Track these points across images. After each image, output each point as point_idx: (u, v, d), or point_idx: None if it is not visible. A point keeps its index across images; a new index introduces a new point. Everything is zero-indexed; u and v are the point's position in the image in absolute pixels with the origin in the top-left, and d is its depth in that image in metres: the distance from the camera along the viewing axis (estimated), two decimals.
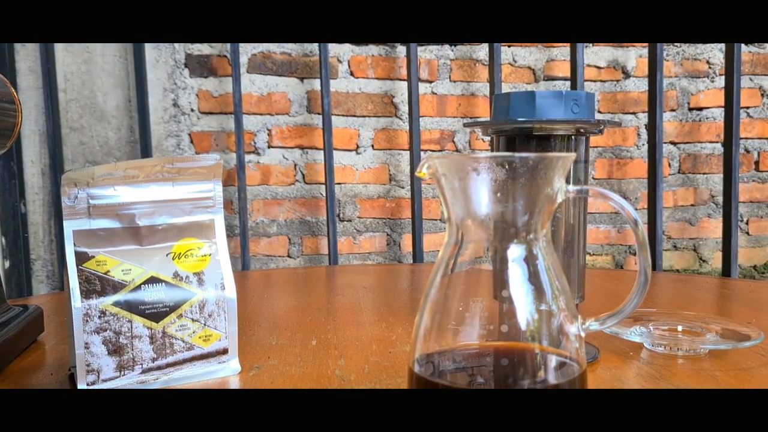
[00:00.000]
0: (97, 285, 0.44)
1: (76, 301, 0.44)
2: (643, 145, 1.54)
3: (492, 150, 0.50)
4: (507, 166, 0.32)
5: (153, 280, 0.46)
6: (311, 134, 1.45)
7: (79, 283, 0.44)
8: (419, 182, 1.40)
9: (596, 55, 1.51)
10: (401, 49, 1.46)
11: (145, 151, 1.34)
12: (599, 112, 1.52)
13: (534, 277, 0.33)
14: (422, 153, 1.44)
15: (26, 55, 1.32)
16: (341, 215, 1.47)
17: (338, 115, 1.45)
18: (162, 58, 1.38)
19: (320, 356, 0.54)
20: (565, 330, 0.33)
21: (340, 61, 1.44)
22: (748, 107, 1.54)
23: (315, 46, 1.42)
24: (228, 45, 1.39)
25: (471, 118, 1.49)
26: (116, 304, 0.45)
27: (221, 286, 0.49)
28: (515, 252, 0.33)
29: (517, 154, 0.32)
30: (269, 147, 1.44)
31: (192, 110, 1.40)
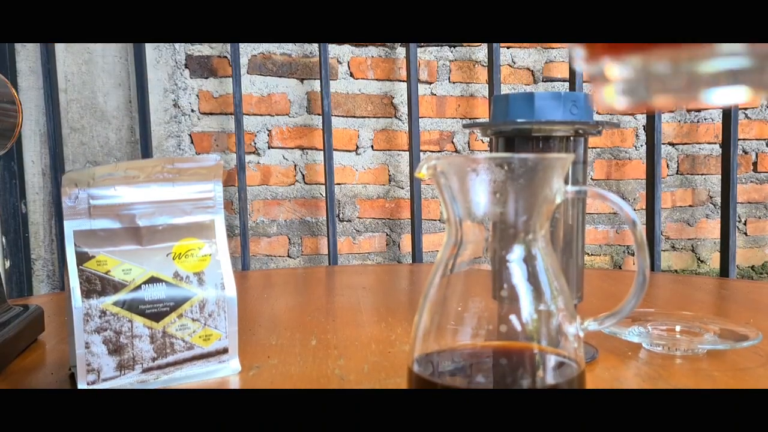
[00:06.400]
0: (97, 285, 0.45)
1: (77, 300, 0.44)
2: (642, 146, 1.54)
3: (491, 151, 0.51)
4: (506, 167, 0.32)
5: (153, 280, 0.46)
6: (311, 135, 1.45)
7: (80, 282, 0.44)
8: (419, 183, 1.40)
9: None
10: (401, 51, 1.46)
11: (146, 152, 1.34)
12: (597, 113, 1.53)
13: (533, 278, 0.34)
14: (421, 154, 1.44)
15: (27, 56, 1.32)
16: (341, 215, 1.48)
17: (338, 116, 1.45)
18: (162, 59, 1.38)
19: (320, 356, 0.54)
20: (564, 330, 0.34)
21: (339, 62, 1.44)
22: (746, 108, 1.54)
23: (315, 48, 1.43)
24: (228, 46, 1.39)
25: (470, 119, 1.49)
26: (117, 303, 0.45)
27: (221, 285, 0.49)
28: (514, 252, 0.33)
29: (516, 155, 0.32)
30: (269, 147, 1.44)
31: (192, 111, 1.41)
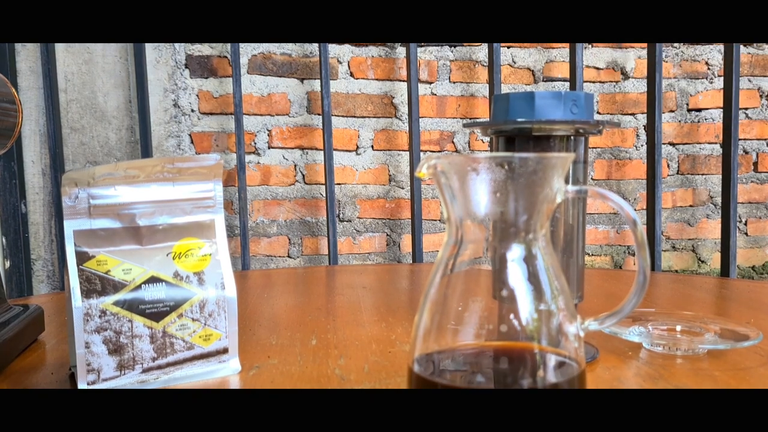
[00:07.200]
0: (97, 284, 0.45)
1: (77, 300, 0.44)
2: (642, 146, 1.54)
3: (491, 150, 0.51)
4: (506, 167, 0.32)
5: (153, 280, 0.46)
6: (311, 135, 1.45)
7: (80, 282, 0.44)
8: (419, 183, 1.40)
9: (595, 56, 1.51)
10: (401, 50, 1.46)
11: (146, 152, 1.34)
12: (598, 113, 1.53)
13: (533, 277, 0.33)
14: (422, 154, 1.44)
15: (27, 56, 1.32)
16: (341, 215, 1.48)
17: (338, 115, 1.45)
18: (162, 59, 1.38)
19: (320, 356, 0.54)
20: (564, 330, 0.34)
21: (340, 62, 1.44)
22: (746, 108, 1.54)
23: (315, 48, 1.43)
24: (228, 46, 1.39)
25: (470, 118, 1.49)
26: (117, 303, 0.45)
27: (221, 285, 0.49)
28: (514, 252, 0.33)
29: (516, 155, 0.32)
30: (269, 147, 1.44)
31: (192, 111, 1.41)
